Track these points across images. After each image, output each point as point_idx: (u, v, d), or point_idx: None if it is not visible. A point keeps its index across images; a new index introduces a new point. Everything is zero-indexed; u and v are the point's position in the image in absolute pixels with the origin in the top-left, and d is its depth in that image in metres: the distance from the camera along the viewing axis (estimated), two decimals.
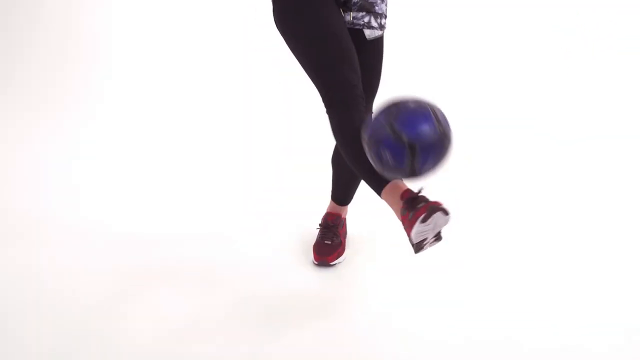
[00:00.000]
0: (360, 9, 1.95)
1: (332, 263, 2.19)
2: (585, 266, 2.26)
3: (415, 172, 1.58)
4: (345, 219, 2.37)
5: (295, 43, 1.90)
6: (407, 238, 1.65)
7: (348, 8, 1.94)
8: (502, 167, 3.15)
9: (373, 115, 1.66)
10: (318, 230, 2.31)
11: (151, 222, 2.59)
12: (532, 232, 2.54)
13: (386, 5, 2.03)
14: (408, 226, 1.62)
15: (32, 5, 3.75)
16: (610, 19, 3.45)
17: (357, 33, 1.99)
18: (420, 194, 1.67)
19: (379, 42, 2.06)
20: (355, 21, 1.96)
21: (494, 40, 3.51)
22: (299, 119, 3.31)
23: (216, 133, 3.42)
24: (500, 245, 2.41)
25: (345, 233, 2.34)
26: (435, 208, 1.57)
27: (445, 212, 1.59)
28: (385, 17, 2.04)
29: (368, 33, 1.99)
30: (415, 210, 1.60)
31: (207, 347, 1.70)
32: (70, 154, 3.28)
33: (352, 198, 2.33)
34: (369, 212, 2.57)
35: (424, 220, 1.57)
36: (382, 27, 2.02)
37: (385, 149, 1.56)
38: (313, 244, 2.26)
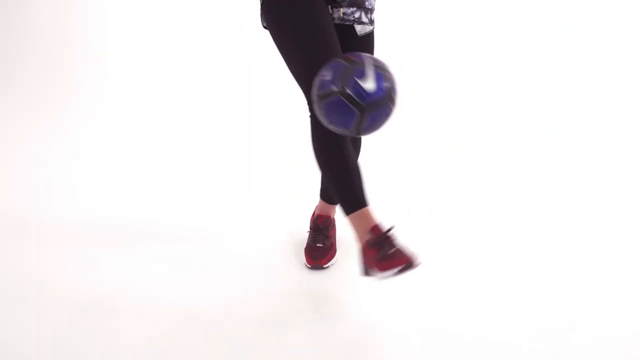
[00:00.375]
0: (350, 5, 1.93)
1: (325, 266, 2.18)
2: (574, 258, 2.28)
3: (357, 68, 1.60)
4: (334, 219, 2.35)
5: (283, 42, 1.88)
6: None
7: (338, 4, 1.91)
8: (488, 157, 3.18)
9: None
10: (308, 233, 2.30)
11: (150, 222, 2.60)
12: (521, 224, 2.57)
13: None
14: (375, 264, 1.70)
15: (30, 5, 3.76)
16: (595, 12, 3.44)
17: (347, 29, 1.97)
18: (390, 234, 1.73)
19: (369, 37, 2.03)
20: (345, 17, 1.94)
21: (479, 31, 3.49)
22: (295, 116, 3.32)
23: (214, 132, 3.42)
24: (488, 238, 2.44)
25: (335, 235, 2.33)
26: (411, 265, 1.66)
27: (417, 266, 1.67)
28: (374, 11, 2.03)
29: (359, 29, 1.97)
30: (390, 258, 1.67)
31: (201, 347, 1.72)
32: (70, 154, 3.30)
33: None
34: None
35: (399, 273, 1.66)
36: (372, 22, 2.00)
37: (325, 70, 1.62)
38: (304, 247, 2.25)
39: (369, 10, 1.97)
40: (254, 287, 2.08)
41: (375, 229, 1.76)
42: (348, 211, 1.81)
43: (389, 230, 1.74)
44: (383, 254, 1.69)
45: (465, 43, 3.49)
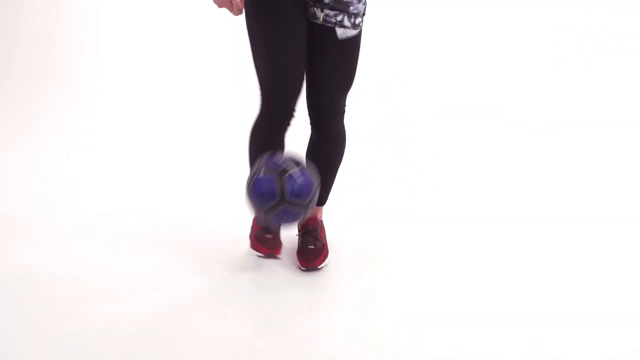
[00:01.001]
0: (332, 8, 1.95)
1: (319, 267, 2.19)
2: (563, 259, 2.33)
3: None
4: (321, 220, 2.35)
5: (253, 47, 2.01)
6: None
7: (321, 4, 1.94)
8: (473, 155, 3.22)
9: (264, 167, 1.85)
10: (298, 236, 2.29)
11: (146, 219, 2.62)
12: (505, 222, 2.64)
13: (364, 4, 2.00)
14: (252, 239, 2.25)
15: None
16: (581, 11, 3.43)
17: (329, 31, 1.97)
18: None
19: (352, 42, 2.02)
20: (327, 19, 1.95)
21: (464, 29, 3.47)
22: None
23: (210, 126, 3.43)
24: (473, 237, 2.50)
25: (325, 236, 2.32)
26: (273, 256, 2.23)
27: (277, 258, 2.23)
28: (363, 15, 2.02)
29: (340, 32, 1.98)
30: (261, 242, 2.15)
31: (197, 348, 1.72)
32: (69, 146, 3.33)
33: (327, 198, 2.32)
34: (350, 216, 2.66)
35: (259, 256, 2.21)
36: (355, 26, 1.99)
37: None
38: (296, 251, 2.25)
39: (352, 15, 1.97)
40: (248, 289, 2.09)
41: None
42: None
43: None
44: (261, 235, 2.12)
45: (450, 41, 3.48)
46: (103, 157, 3.26)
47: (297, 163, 1.84)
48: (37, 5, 3.72)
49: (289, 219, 1.84)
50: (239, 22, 2.10)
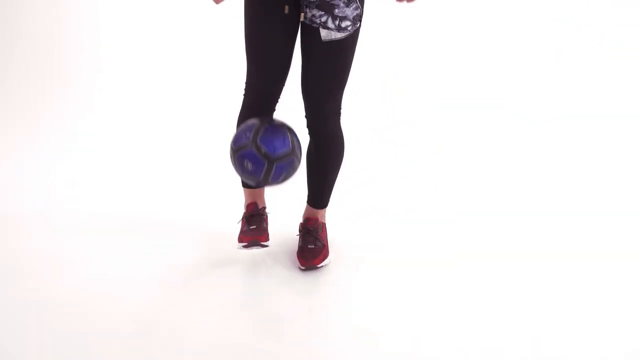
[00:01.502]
0: (318, 8, 1.94)
1: (319, 265, 2.18)
2: (562, 250, 2.36)
3: (266, 182, 1.87)
4: (324, 223, 2.34)
5: (244, 32, 2.07)
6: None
7: (307, 3, 1.94)
8: (473, 155, 3.22)
9: (238, 129, 1.91)
10: (298, 237, 2.29)
11: (147, 216, 2.63)
12: (507, 221, 2.64)
13: (356, 9, 1.96)
14: (240, 234, 2.19)
15: None
16: (580, 3, 3.42)
17: (315, 31, 1.97)
18: (256, 214, 2.21)
19: (340, 44, 1.99)
20: (313, 19, 1.96)
21: (464, 29, 3.46)
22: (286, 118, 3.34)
23: (212, 125, 3.40)
24: (475, 236, 2.50)
25: (326, 237, 2.31)
26: (257, 243, 2.19)
27: (262, 245, 2.20)
28: (354, 20, 1.97)
29: (324, 34, 1.96)
30: (245, 233, 2.16)
31: (193, 349, 1.72)
32: (69, 146, 3.33)
33: (328, 201, 2.31)
34: (350, 216, 2.65)
35: (244, 247, 2.17)
36: (341, 29, 1.96)
37: (249, 161, 1.83)
38: (296, 251, 2.24)
39: (337, 17, 1.95)
40: (248, 289, 2.10)
41: (249, 206, 2.24)
42: (244, 186, 2.28)
43: (257, 210, 2.20)
44: (246, 229, 2.17)
45: (450, 41, 3.47)
46: (103, 157, 3.27)
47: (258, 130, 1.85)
48: (37, 5, 3.73)
49: (279, 142, 1.82)
50: (238, 24, 2.10)
